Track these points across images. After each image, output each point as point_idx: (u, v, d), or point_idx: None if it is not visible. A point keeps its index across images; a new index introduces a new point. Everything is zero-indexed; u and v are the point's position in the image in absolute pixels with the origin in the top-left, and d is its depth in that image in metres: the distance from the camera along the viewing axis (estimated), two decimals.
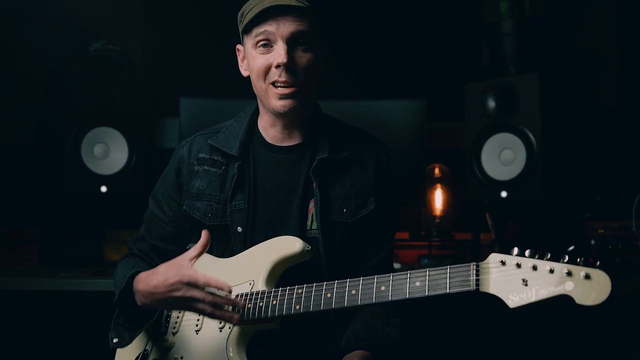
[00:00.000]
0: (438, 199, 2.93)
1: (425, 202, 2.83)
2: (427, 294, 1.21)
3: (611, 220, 2.37)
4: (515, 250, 1.14)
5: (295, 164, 1.58)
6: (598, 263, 1.06)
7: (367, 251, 1.60)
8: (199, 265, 1.64)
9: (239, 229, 1.56)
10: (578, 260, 1.08)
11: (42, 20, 2.82)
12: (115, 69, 2.66)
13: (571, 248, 2.39)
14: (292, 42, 1.48)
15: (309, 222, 1.55)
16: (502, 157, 2.56)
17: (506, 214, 2.72)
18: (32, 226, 2.78)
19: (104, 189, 2.55)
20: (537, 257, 1.12)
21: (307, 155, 1.58)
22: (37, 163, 2.74)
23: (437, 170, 2.97)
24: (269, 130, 1.61)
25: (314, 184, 1.54)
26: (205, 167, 1.61)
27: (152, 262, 1.65)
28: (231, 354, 1.41)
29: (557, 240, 2.59)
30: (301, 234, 1.53)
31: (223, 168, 1.60)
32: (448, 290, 1.19)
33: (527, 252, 1.13)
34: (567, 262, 1.08)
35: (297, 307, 1.36)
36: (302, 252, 1.45)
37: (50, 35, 2.81)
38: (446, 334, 2.49)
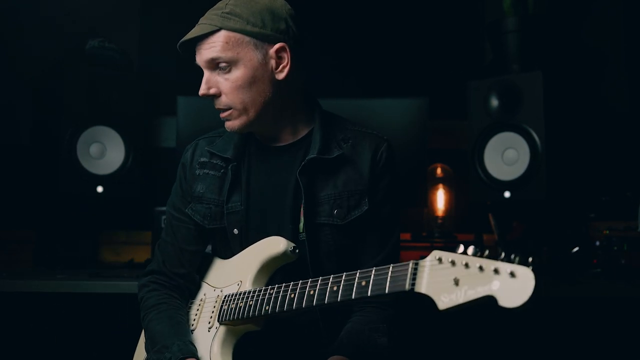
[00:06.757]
0: (440, 199, 2.90)
1: (427, 202, 2.81)
2: (369, 294, 1.14)
3: (616, 221, 2.36)
4: (461, 247, 1.02)
5: (288, 164, 1.55)
6: (531, 259, 0.92)
7: (364, 255, 1.56)
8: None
9: (235, 230, 1.55)
10: (512, 257, 0.94)
11: (37, 18, 2.80)
12: (112, 67, 2.65)
13: (575, 249, 2.37)
14: (212, 68, 1.48)
15: (301, 224, 1.51)
16: (506, 157, 2.53)
17: (509, 214, 2.69)
18: (27, 227, 2.76)
19: (100, 189, 2.52)
20: (478, 254, 0.99)
21: (299, 155, 1.55)
22: (32, 163, 2.72)
23: (439, 170, 2.95)
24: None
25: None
26: (205, 171, 1.60)
27: (179, 283, 1.61)
28: (215, 352, 1.42)
29: (562, 242, 2.56)
30: (293, 235, 1.50)
31: (222, 171, 1.59)
32: (387, 291, 1.10)
33: (469, 249, 1.01)
34: (502, 259, 0.95)
35: (272, 306, 1.33)
36: (286, 253, 1.44)
37: (46, 32, 2.79)
38: (445, 338, 2.46)
